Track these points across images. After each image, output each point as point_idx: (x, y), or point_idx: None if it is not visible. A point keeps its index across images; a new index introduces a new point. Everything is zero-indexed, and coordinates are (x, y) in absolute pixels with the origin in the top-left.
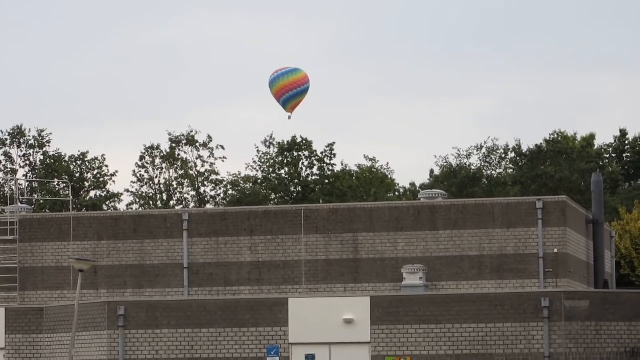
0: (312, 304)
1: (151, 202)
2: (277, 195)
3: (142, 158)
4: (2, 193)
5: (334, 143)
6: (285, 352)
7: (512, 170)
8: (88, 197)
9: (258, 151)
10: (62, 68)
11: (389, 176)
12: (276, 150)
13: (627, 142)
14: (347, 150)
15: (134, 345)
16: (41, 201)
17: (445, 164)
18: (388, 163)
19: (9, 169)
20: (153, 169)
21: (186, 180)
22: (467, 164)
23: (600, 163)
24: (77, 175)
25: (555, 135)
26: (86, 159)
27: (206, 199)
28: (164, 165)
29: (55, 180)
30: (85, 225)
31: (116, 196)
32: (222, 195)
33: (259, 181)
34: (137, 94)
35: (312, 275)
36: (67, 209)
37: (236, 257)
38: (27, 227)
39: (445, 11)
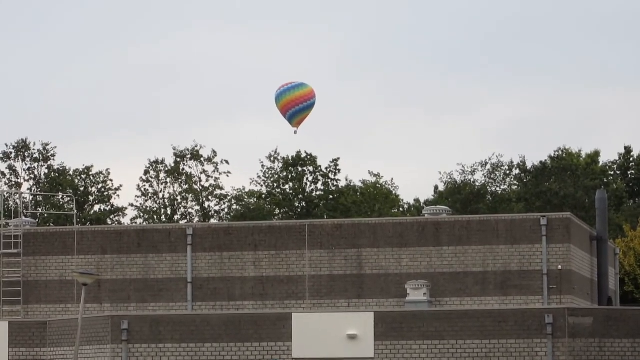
0: (315, 319)
1: (155, 217)
2: (282, 211)
3: (146, 172)
4: (6, 206)
5: (339, 158)
6: None
7: (516, 187)
8: (92, 211)
9: (262, 166)
10: (67, 82)
11: (394, 192)
12: (280, 165)
13: (631, 159)
14: (352, 166)
15: None
16: (45, 215)
17: (449, 180)
18: (392, 179)
19: (13, 183)
20: (157, 184)
21: (190, 194)
22: (472, 180)
23: (605, 180)
24: (82, 189)
25: (560, 152)
26: (90, 173)
27: (210, 213)
28: (168, 180)
29: (60, 194)
30: (89, 239)
31: (120, 210)
32: (226, 210)
33: (263, 196)
34: (142, 108)
35: (316, 291)
36: (71, 222)
37: (240, 272)
38: (31, 241)
39: (451, 27)
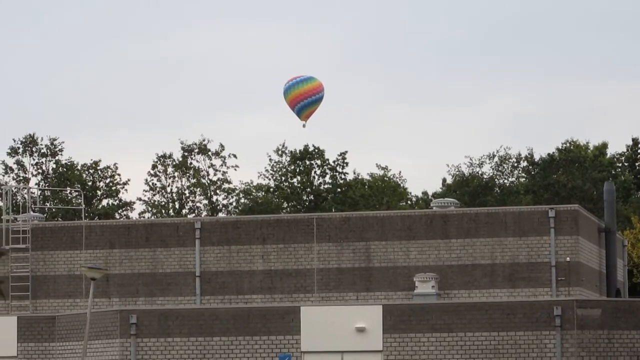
0: (324, 313)
1: (163, 211)
2: (289, 204)
3: (154, 167)
4: (14, 202)
5: (346, 152)
6: None
7: (524, 179)
8: (100, 206)
9: (270, 160)
10: (74, 77)
11: (401, 185)
12: (288, 158)
13: (639, 151)
14: (360, 159)
15: (145, 354)
16: (53, 210)
17: (457, 173)
18: (400, 172)
19: (21, 178)
20: (165, 178)
21: (198, 188)
22: (480, 172)
23: (613, 172)
24: (90, 183)
25: (568, 144)
26: (98, 168)
27: (218, 207)
28: (176, 174)
29: (68, 188)
30: (98, 233)
31: (128, 205)
32: (234, 203)
33: (271, 190)
34: (150, 102)
35: (324, 284)
36: (79, 217)
37: (248, 266)
38: (39, 236)
39: (458, 20)
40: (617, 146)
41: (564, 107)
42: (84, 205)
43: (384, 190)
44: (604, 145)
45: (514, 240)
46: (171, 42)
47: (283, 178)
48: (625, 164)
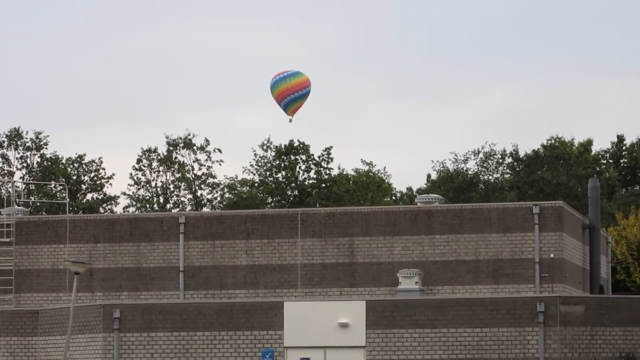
0: (307, 308)
1: (148, 205)
2: (274, 199)
3: (139, 161)
4: None
5: (331, 147)
6: (280, 356)
7: (509, 176)
8: (84, 200)
9: (255, 155)
10: (60, 70)
11: (386, 180)
12: (273, 153)
13: (624, 147)
14: (344, 155)
15: (129, 348)
16: (38, 203)
17: (442, 169)
18: (385, 167)
19: (5, 171)
20: (150, 172)
21: (183, 183)
22: (464, 168)
23: (597, 169)
24: (74, 177)
25: (553, 141)
26: (83, 162)
27: (203, 202)
28: (160, 169)
29: (52, 182)
30: (82, 227)
31: (113, 199)
32: (218, 198)
33: (256, 185)
34: (134, 97)
35: (308, 279)
36: (63, 211)
37: (232, 261)
38: (23, 230)
39: (443, 17)
40: (601, 143)
41: (549, 103)
42: (68, 200)
43: (369, 186)
44: (589, 142)
45: (498, 237)
46: (156, 37)
47: (268, 173)
48: (610, 161)
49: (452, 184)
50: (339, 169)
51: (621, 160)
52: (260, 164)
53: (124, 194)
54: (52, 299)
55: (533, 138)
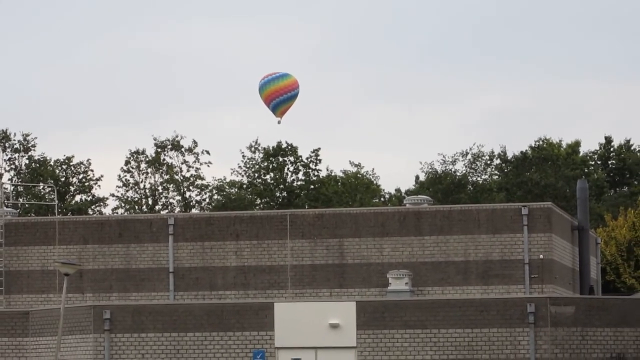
0: (297, 309)
1: (136, 207)
2: (263, 201)
3: (127, 163)
4: None
5: (320, 148)
6: (271, 356)
7: (497, 177)
8: (73, 202)
9: (243, 156)
10: (48, 72)
11: (375, 182)
12: (261, 155)
13: (612, 149)
14: (333, 156)
15: (119, 349)
16: (26, 205)
17: (430, 170)
18: (373, 169)
19: None
20: (138, 174)
21: (171, 185)
22: (453, 170)
23: (586, 170)
24: (63, 179)
25: (541, 142)
26: (71, 163)
27: (192, 203)
28: (149, 170)
29: (41, 184)
30: (71, 229)
31: (101, 200)
32: (207, 200)
33: (245, 186)
34: (122, 99)
35: (298, 280)
36: (52, 213)
37: (222, 262)
38: (12, 231)
39: (432, 18)
40: (590, 144)
41: (537, 105)
42: (57, 201)
43: (357, 187)
44: (577, 144)
45: (487, 238)
46: (145, 40)
47: (256, 174)
48: (598, 162)
49: (440, 185)
50: (327, 170)
51: (609, 162)
52: (248, 165)
53: (113, 195)
54: (42, 300)
55: (521, 139)
